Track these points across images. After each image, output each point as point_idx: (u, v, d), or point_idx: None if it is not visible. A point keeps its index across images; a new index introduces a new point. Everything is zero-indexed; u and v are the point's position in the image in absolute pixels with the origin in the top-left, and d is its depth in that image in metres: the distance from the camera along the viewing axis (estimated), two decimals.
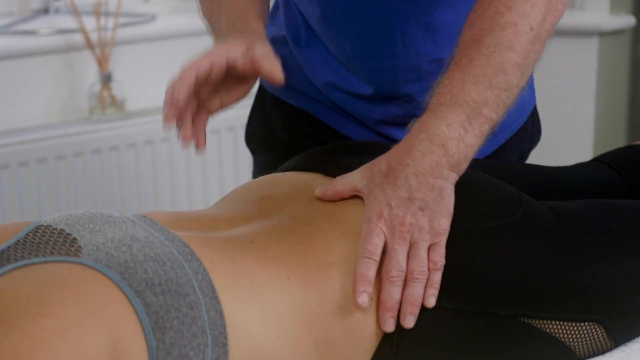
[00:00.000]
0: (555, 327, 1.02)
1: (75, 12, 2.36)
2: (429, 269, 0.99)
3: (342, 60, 1.28)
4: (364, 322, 0.98)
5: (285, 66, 1.36)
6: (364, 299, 0.96)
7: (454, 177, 1.01)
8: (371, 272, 0.97)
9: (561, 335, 1.02)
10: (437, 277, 0.99)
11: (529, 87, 1.36)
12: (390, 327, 0.97)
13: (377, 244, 0.98)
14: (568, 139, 2.59)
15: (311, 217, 1.02)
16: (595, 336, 1.04)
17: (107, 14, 2.41)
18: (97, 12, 2.37)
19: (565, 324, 1.02)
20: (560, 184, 1.26)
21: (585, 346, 1.04)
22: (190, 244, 0.92)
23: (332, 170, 1.10)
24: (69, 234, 0.89)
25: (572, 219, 1.08)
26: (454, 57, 1.04)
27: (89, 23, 2.38)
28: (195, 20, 2.47)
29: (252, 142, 1.47)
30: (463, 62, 1.02)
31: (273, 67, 1.10)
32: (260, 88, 1.45)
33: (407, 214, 0.99)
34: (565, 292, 1.02)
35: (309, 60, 1.32)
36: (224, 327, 0.88)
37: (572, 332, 1.03)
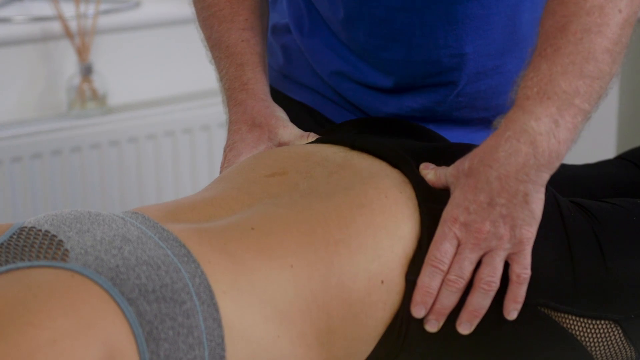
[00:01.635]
0: (572, 322, 1.03)
1: None
2: (511, 282, 0.99)
3: (354, 50, 1.28)
4: (369, 308, 0.98)
5: (288, 56, 1.37)
6: (418, 310, 0.98)
7: (544, 178, 0.99)
8: (435, 283, 0.98)
9: (577, 332, 1.03)
10: (521, 291, 0.99)
11: None
12: (431, 328, 0.99)
13: (447, 251, 0.99)
14: (589, 135, 2.59)
15: (328, 192, 1.02)
16: (612, 337, 1.05)
17: (87, 0, 2.41)
18: None
19: (582, 320, 1.03)
20: (583, 184, 1.27)
21: (601, 348, 1.05)
22: (187, 243, 0.92)
23: (360, 143, 1.11)
24: (54, 236, 0.89)
25: (595, 213, 1.09)
26: (537, 48, 1.03)
27: (68, 10, 2.37)
28: (183, 7, 2.47)
29: None
30: (548, 52, 1.01)
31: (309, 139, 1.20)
32: None
33: (486, 220, 0.99)
34: (583, 286, 1.03)
35: (314, 48, 1.31)
36: (221, 337, 0.88)
37: (588, 329, 1.04)
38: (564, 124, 0.99)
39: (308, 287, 0.95)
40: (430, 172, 1.06)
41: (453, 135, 1.27)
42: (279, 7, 1.39)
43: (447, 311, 0.99)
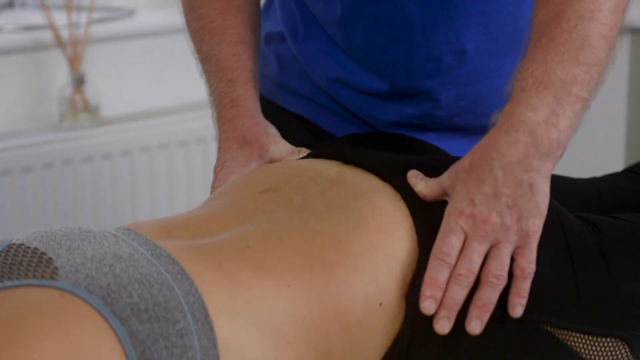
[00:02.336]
0: (577, 340, 1.03)
1: (43, 6, 2.36)
2: (515, 276, 0.99)
3: (351, 53, 1.28)
4: (368, 331, 0.98)
5: (282, 65, 1.37)
6: (429, 304, 0.97)
7: (547, 168, 1.01)
8: (442, 276, 0.98)
9: (583, 350, 1.03)
10: (526, 285, 0.99)
11: None
12: (443, 328, 0.97)
13: (454, 245, 0.99)
14: (596, 147, 2.59)
15: (323, 210, 1.03)
16: (619, 355, 1.05)
17: (79, 9, 2.41)
18: (68, 6, 2.37)
19: (586, 337, 1.03)
20: (590, 199, 1.27)
21: None
22: (180, 260, 0.92)
23: (352, 158, 1.11)
24: (43, 253, 0.89)
25: (601, 227, 1.10)
26: (532, 39, 1.05)
27: (59, 18, 2.38)
28: (178, 16, 2.47)
29: None
30: (543, 42, 1.03)
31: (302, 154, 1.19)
32: None
33: (492, 211, 0.99)
34: (587, 302, 1.04)
35: (310, 55, 1.32)
36: (217, 357, 0.88)
37: (594, 347, 1.04)
38: (563, 113, 1.01)
39: (306, 308, 0.95)
40: (419, 183, 1.06)
41: (454, 144, 1.28)
42: (272, 16, 1.40)
43: (458, 307, 0.98)
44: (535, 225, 1.00)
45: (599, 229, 1.09)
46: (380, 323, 0.99)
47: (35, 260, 0.88)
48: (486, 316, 0.98)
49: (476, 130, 1.29)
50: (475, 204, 0.99)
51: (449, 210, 1.01)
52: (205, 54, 1.28)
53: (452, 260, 0.98)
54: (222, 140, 1.24)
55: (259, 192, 1.07)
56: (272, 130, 1.24)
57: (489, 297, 0.98)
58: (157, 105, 2.55)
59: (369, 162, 1.09)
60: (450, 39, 1.23)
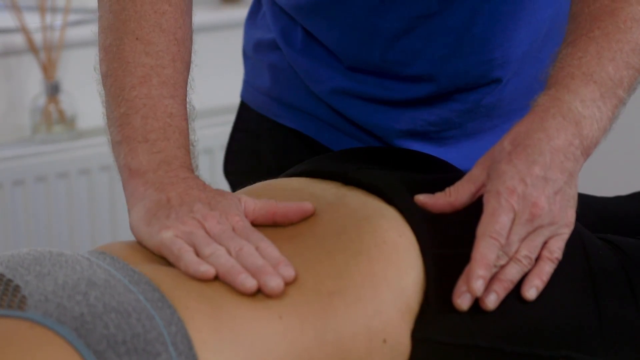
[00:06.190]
0: None
1: (14, 7, 2.37)
2: (542, 258, 1.02)
3: (363, 70, 1.28)
4: None
5: (276, 77, 1.36)
6: (479, 286, 0.98)
7: (581, 164, 1.05)
8: (494, 256, 1.00)
9: None
10: (548, 269, 1.02)
11: None
12: (493, 302, 0.99)
13: (506, 224, 1.01)
14: (621, 161, 2.60)
15: (318, 236, 1.02)
16: None
17: (54, 10, 2.41)
18: (41, 8, 2.38)
19: None
20: (614, 219, 1.28)
21: None
22: (161, 286, 0.92)
23: (354, 178, 1.10)
24: (10, 280, 0.89)
25: (627, 250, 1.10)
26: (581, 28, 1.09)
27: (32, 21, 2.38)
28: None
29: (232, 172, 1.46)
30: (596, 34, 1.09)
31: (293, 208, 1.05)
32: (243, 104, 1.44)
33: (542, 196, 1.02)
34: (611, 333, 1.03)
35: (309, 65, 1.31)
36: None
37: None
38: (606, 112, 1.06)
39: (300, 343, 0.94)
40: (440, 198, 1.05)
41: (464, 154, 1.30)
42: (260, 22, 1.38)
43: (512, 285, 1.01)
44: (573, 217, 1.04)
45: (624, 252, 1.09)
46: None
47: (0, 288, 0.88)
48: (504, 293, 1.00)
49: (485, 133, 1.32)
50: (527, 185, 1.02)
51: (497, 188, 1.02)
52: (149, 100, 1.14)
53: (503, 240, 1.00)
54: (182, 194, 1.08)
55: None
56: None
57: (513, 275, 1.01)
58: None
59: (372, 182, 1.09)
60: (476, 48, 1.25)
